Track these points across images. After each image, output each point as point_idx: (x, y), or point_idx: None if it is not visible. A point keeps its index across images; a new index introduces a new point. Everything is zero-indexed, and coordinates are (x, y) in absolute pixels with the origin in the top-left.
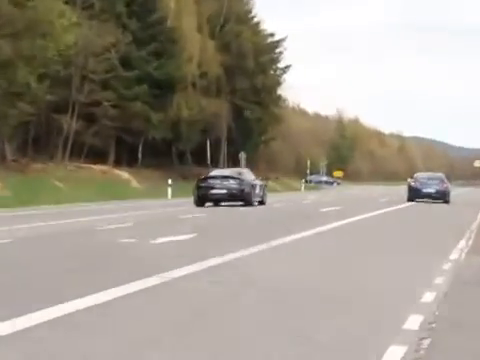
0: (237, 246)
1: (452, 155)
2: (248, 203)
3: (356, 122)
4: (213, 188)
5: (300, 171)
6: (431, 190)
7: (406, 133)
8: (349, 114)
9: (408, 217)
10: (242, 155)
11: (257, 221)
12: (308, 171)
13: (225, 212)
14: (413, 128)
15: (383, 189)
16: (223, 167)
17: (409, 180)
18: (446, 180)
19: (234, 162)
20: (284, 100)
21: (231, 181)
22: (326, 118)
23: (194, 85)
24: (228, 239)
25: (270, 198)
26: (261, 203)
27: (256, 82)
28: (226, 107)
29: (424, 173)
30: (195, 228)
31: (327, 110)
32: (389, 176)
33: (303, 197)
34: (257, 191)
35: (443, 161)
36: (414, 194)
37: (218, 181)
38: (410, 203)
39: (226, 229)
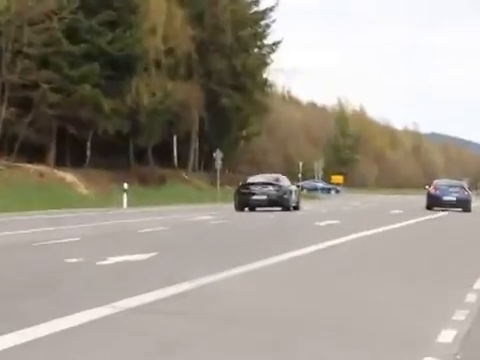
0: (208, 268)
1: None
2: (286, 208)
3: (361, 115)
4: (254, 194)
5: (290, 175)
6: (451, 198)
7: (423, 129)
8: (353, 105)
9: (423, 234)
10: (218, 154)
11: (235, 237)
12: (300, 175)
13: (195, 225)
14: (432, 123)
15: (395, 199)
16: (194, 168)
17: (427, 188)
18: (467, 188)
19: (207, 163)
20: (271, 85)
21: (270, 187)
22: (324, 109)
23: (158, 64)
24: (197, 259)
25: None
26: (296, 208)
27: (236, 62)
28: (198, 93)
29: (444, 180)
30: (157, 245)
31: (325, 99)
32: (402, 183)
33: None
34: (293, 197)
35: (469, 164)
36: (433, 202)
37: (258, 187)
38: (427, 217)
39: (194, 246)
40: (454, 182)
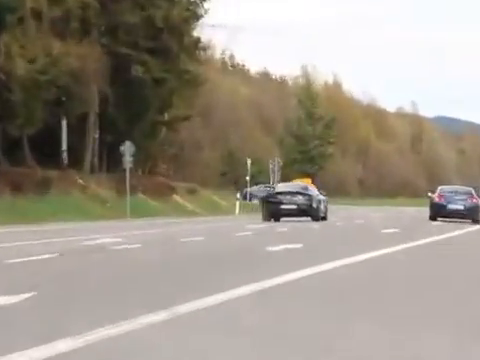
0: (104, 316)
1: None
2: (315, 218)
3: (336, 90)
4: (282, 203)
5: (235, 178)
6: (458, 207)
7: (426, 111)
8: (324, 76)
9: (424, 265)
10: (127, 148)
11: (147, 269)
12: (248, 178)
13: (90, 253)
14: (438, 103)
15: (387, 212)
16: (92, 169)
17: (430, 195)
18: (476, 195)
19: (112, 161)
20: (205, 48)
21: (300, 197)
22: (282, 83)
23: (38, 16)
24: (89, 302)
25: (183, 227)
26: (324, 218)
27: (153, 13)
28: (98, 59)
29: (450, 186)
30: (32, 282)
31: (284, 69)
32: (396, 188)
33: (238, 226)
34: (322, 206)
35: None
36: (437, 211)
37: (288, 197)
38: (431, 238)
39: (87, 284)
40: (462, 188)
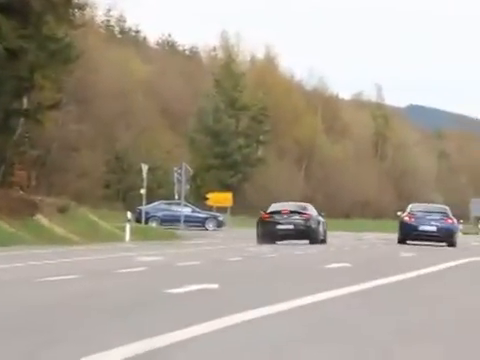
0: None
1: None
2: (314, 241)
3: (270, 71)
4: (279, 224)
5: (124, 191)
6: (430, 228)
7: (395, 100)
8: (252, 50)
9: (382, 317)
10: None
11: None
12: (143, 192)
13: None
14: (412, 90)
15: (338, 239)
16: None
17: (400, 214)
18: (451, 215)
19: None
20: (82, 6)
21: (297, 217)
22: (192, 58)
23: None
24: None
25: (48, 260)
26: (323, 241)
27: None
28: None
29: (422, 205)
30: None
31: (197, 39)
32: (355, 207)
33: (127, 259)
34: (321, 228)
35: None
36: (407, 233)
37: (284, 216)
38: (395, 277)
39: None
40: (435, 207)
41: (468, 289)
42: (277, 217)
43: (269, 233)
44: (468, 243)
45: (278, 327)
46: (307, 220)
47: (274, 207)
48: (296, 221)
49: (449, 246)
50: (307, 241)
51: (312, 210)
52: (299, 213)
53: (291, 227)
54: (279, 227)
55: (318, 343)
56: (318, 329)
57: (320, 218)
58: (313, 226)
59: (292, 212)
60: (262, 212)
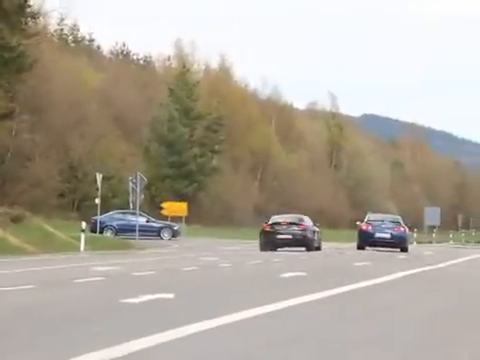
0: None
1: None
2: (310, 248)
3: (225, 80)
4: (279, 233)
5: (78, 200)
6: (385, 235)
7: (349, 109)
8: (207, 59)
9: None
10: None
11: None
12: (98, 201)
13: None
14: (363, 99)
15: (292, 248)
16: None
17: (359, 223)
18: (403, 223)
19: None
20: (36, 15)
21: (294, 227)
22: (147, 67)
23: None
24: None
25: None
26: (318, 248)
27: None
28: None
29: (377, 214)
30: None
31: (151, 48)
32: (310, 216)
33: (81, 269)
34: (315, 237)
35: (438, 175)
36: (365, 240)
37: (283, 227)
38: (350, 287)
39: None
40: (389, 217)
41: (420, 298)
42: (277, 227)
43: (270, 241)
44: (420, 252)
45: (234, 337)
46: (304, 230)
47: (274, 219)
48: (294, 231)
49: (402, 251)
50: (304, 248)
51: (308, 221)
52: (297, 224)
53: (290, 237)
54: (279, 236)
55: (275, 352)
56: (274, 339)
57: (315, 228)
58: (309, 235)
59: (290, 223)
60: (264, 224)
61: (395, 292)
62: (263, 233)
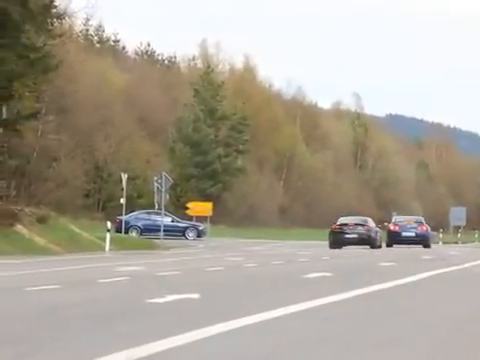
0: None
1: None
2: (373, 246)
3: (249, 80)
4: (346, 233)
5: (104, 200)
6: (410, 234)
7: (374, 109)
8: (232, 60)
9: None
10: None
11: None
12: (123, 201)
13: None
14: (388, 99)
15: (318, 249)
16: None
17: (386, 224)
18: (425, 223)
19: None
20: (61, 16)
21: (360, 228)
22: (172, 68)
23: None
24: None
25: (30, 269)
26: (379, 247)
27: None
28: None
29: (402, 216)
30: None
31: (177, 48)
32: (335, 217)
33: (106, 269)
34: (378, 237)
35: (464, 176)
36: (393, 239)
37: (350, 228)
38: (375, 285)
39: None
40: (413, 218)
41: (445, 299)
42: (344, 228)
43: (338, 240)
44: (446, 252)
45: (259, 337)
46: (368, 231)
47: (342, 220)
48: (360, 231)
49: (424, 247)
50: (368, 246)
51: (371, 223)
52: (362, 225)
53: (356, 236)
54: (346, 236)
55: (304, 352)
56: (301, 339)
57: (377, 229)
58: (373, 235)
59: (356, 224)
60: (333, 224)
61: (420, 292)
62: (332, 233)
